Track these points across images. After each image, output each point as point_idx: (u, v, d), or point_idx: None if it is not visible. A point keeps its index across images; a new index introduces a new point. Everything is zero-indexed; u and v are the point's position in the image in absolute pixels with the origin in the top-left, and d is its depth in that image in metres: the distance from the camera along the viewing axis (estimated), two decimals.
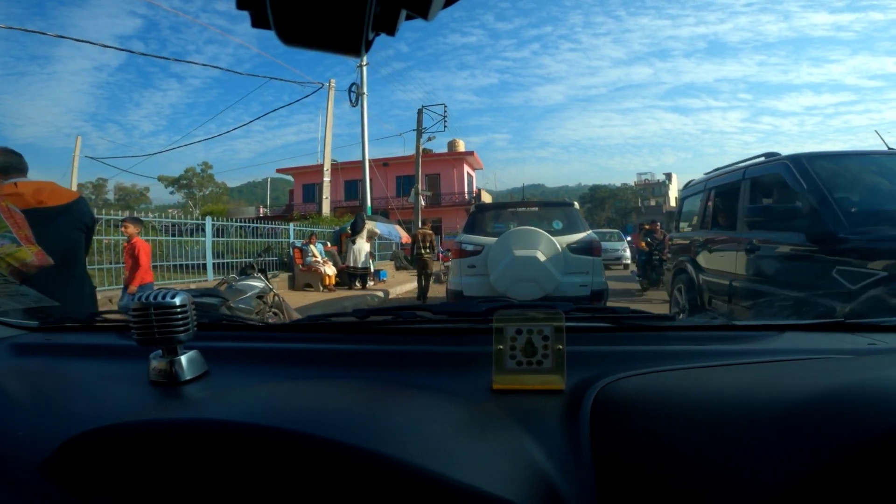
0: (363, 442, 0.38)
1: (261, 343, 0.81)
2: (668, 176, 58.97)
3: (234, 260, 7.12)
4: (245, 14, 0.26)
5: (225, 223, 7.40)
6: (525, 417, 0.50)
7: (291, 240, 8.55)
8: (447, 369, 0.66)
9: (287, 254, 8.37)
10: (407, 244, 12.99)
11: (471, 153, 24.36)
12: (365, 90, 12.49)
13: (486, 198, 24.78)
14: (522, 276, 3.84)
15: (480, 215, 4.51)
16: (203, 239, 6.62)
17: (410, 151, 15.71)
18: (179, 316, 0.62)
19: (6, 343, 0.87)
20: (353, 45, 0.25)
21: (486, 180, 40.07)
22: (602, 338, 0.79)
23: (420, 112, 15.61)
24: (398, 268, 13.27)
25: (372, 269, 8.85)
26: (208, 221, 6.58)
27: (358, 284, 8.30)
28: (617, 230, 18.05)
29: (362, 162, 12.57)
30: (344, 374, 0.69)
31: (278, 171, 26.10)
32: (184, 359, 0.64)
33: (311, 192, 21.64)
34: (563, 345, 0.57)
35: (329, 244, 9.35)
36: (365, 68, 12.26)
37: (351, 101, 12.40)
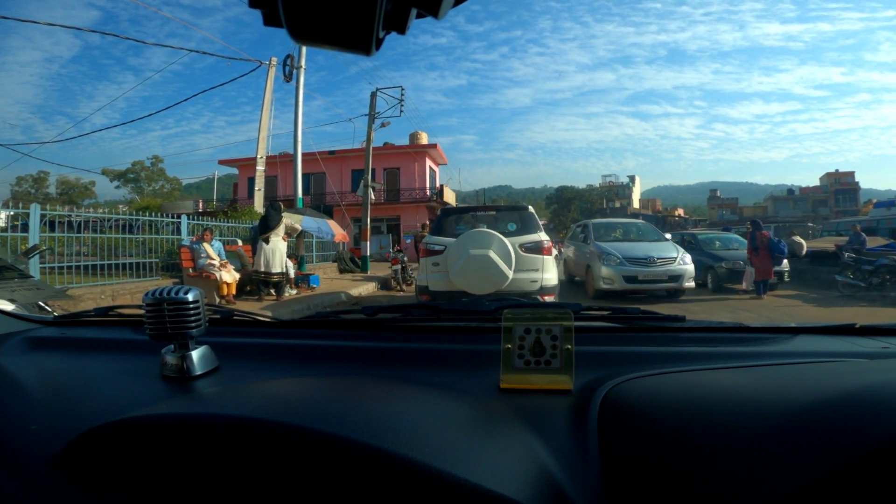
0: (370, 439, 0.38)
1: (271, 339, 0.83)
2: (632, 178, 60.19)
3: (85, 262, 5.25)
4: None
5: (64, 213, 5.50)
6: (532, 417, 0.50)
7: (183, 236, 6.66)
8: (455, 367, 0.67)
9: (176, 254, 6.49)
10: (342, 242, 11.34)
11: (433, 146, 22.62)
12: (302, 64, 10.69)
13: (450, 195, 23.15)
14: (477, 273, 4.24)
15: (445, 218, 5.16)
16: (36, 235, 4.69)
17: (373, 145, 13.81)
18: (192, 311, 0.62)
19: (22, 336, 0.87)
20: (364, 43, 0.26)
21: (449, 177, 38.38)
22: (612, 338, 0.79)
23: (373, 95, 13.79)
24: (342, 270, 11.51)
25: (292, 274, 7.13)
26: (34, 209, 4.67)
27: (272, 293, 6.57)
28: (645, 223, 8.58)
29: (294, 146, 10.74)
30: (352, 370, 0.71)
31: (220, 162, 23.35)
32: (195, 354, 0.65)
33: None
34: (572, 345, 0.58)
35: (241, 242, 7.55)
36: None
37: (285, 74, 10.54)
